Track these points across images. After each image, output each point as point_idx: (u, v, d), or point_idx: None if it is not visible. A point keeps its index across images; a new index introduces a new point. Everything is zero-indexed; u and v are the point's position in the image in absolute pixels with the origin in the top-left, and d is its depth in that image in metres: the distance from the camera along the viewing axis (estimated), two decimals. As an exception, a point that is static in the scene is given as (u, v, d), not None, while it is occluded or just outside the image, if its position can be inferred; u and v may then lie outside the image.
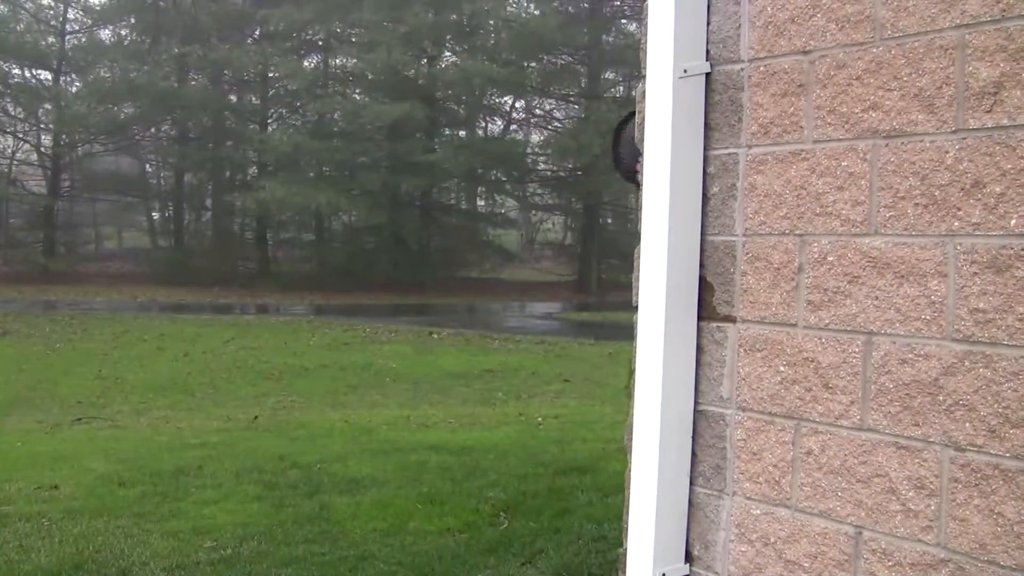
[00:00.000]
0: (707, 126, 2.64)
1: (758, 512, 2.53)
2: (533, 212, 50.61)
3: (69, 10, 45.53)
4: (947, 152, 2.16)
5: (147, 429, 11.82)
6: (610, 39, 42.14)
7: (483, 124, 47.18)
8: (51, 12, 45.68)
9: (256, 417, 12.14)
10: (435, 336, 22.63)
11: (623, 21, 41.50)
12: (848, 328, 2.33)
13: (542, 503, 7.24)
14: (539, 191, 47.49)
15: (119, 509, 7.43)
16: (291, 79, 42.71)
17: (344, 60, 43.84)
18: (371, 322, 25.62)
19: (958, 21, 2.14)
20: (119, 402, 14.44)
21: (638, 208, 2.76)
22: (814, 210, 2.38)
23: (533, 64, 42.56)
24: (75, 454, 9.73)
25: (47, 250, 42.86)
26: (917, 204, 2.20)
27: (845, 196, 2.33)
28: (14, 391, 15.55)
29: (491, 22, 41.89)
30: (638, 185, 4.34)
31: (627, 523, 2.80)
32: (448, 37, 42.32)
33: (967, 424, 2.14)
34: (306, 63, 43.80)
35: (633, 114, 4.58)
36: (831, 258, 2.35)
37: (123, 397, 14.96)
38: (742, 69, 2.55)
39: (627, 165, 4.37)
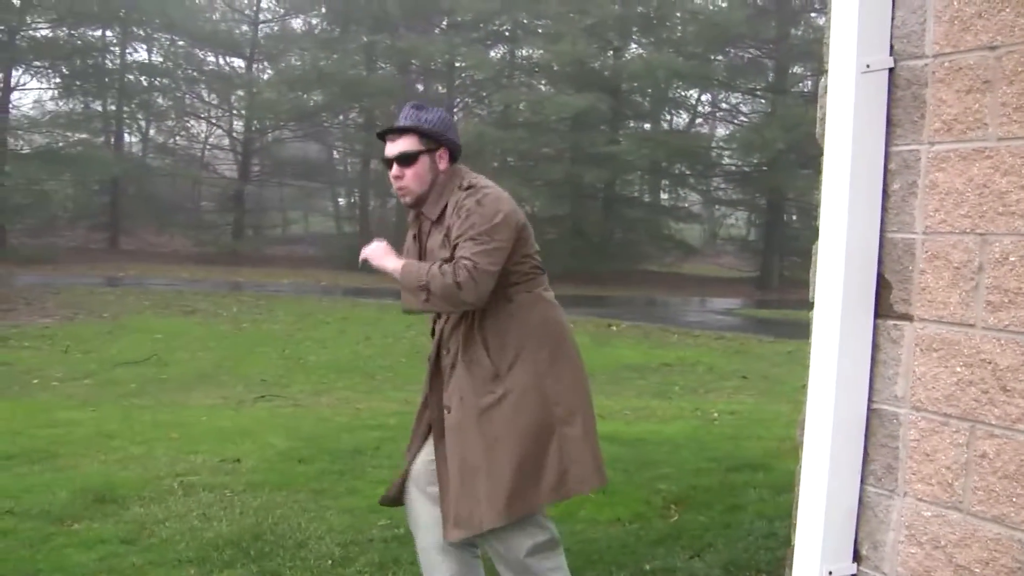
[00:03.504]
0: (889, 122, 2.61)
1: (929, 514, 2.49)
2: (716, 207, 50.15)
3: (262, 0, 46.81)
4: None
5: (327, 409, 12.09)
6: (798, 32, 41.51)
7: (668, 117, 46.97)
8: (245, 2, 47.01)
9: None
10: (613, 328, 22.61)
11: (812, 15, 40.84)
12: (1028, 330, 2.29)
13: (713, 498, 7.20)
14: (723, 185, 47.09)
15: (297, 484, 7.63)
16: (477, 69, 43.08)
17: (530, 51, 44.04)
18: (549, 312, 25.74)
19: None
20: (301, 382, 14.80)
21: (818, 204, 2.75)
22: (996, 209, 2.34)
23: (719, 57, 42.19)
24: (257, 430, 10.01)
25: (236, 232, 44.14)
26: (1104, 205, 2.15)
27: (1029, 196, 2.29)
28: (201, 368, 16.06)
29: (677, 14, 41.67)
30: None
31: (796, 520, 2.79)
32: (634, 29, 42.21)
33: None
34: (492, 53, 44.16)
35: None
36: (1013, 258, 2.31)
37: (305, 377, 15.33)
38: (926, 64, 2.51)
39: None
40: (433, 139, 4.44)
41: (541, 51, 41.97)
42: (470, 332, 4.35)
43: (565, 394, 4.35)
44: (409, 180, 4.45)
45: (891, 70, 2.60)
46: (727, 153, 45.46)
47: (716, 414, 11.69)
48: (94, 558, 5.96)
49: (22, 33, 41.64)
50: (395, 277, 4.38)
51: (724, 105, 47.65)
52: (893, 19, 2.59)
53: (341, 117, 46.81)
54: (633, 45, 43.18)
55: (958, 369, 2.42)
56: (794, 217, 44.72)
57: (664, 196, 48.47)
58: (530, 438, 4.24)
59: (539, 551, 4.37)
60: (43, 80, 44.89)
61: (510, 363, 4.28)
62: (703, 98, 47.06)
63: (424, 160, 4.44)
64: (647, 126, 44.92)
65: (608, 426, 10.29)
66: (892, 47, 2.59)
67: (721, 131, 47.62)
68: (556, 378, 4.33)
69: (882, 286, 2.63)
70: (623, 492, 7.39)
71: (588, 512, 6.88)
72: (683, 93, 45.06)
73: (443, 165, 4.47)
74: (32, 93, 45.93)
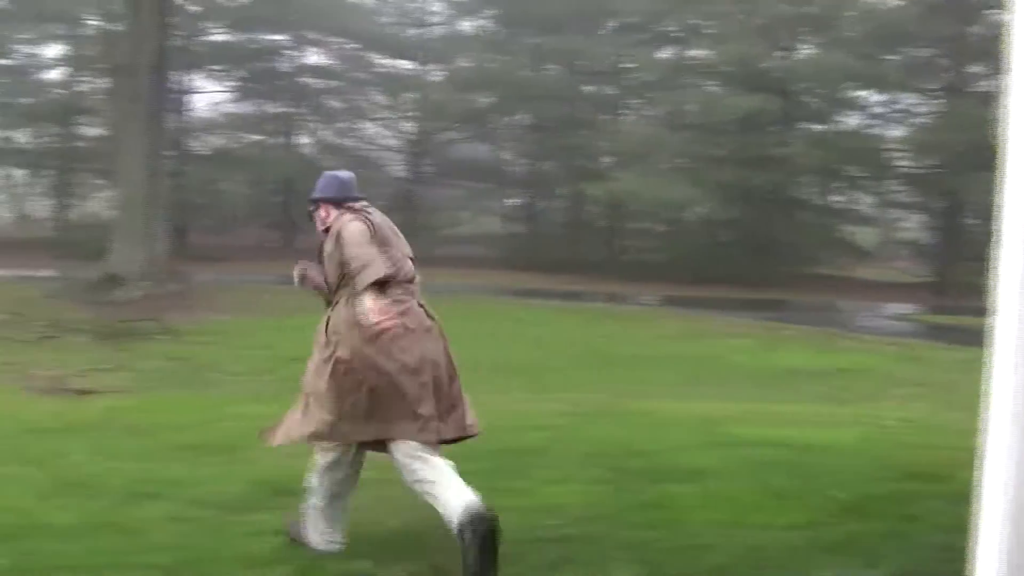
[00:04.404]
0: (1076, 123, 2.54)
1: (1118, 528, 2.42)
2: (890, 210, 49.06)
3: (432, 2, 47.33)
4: None
5: (495, 409, 12.16)
6: (976, 31, 40.43)
7: (840, 118, 46.14)
8: (415, 5, 47.59)
9: (602, 403, 12.32)
10: (784, 332, 22.33)
11: (990, 12, 39.70)
12: None
13: (887, 507, 7.08)
14: (897, 188, 46.04)
15: (466, 482, 7.71)
16: (645, 70, 42.94)
17: (698, 52, 43.71)
18: (719, 315, 25.51)
19: None
20: (469, 381, 14.89)
21: (998, 207, 2.68)
22: None
23: (893, 57, 41.32)
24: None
25: (406, 233, 44.56)
26: None
27: None
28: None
29: (849, 13, 40.88)
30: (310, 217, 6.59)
31: (975, 533, 2.74)
32: (804, 29, 41.58)
33: None
34: (660, 54, 43.96)
35: None
36: None
37: (474, 377, 15.39)
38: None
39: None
40: (313, 201, 6.56)
41: (710, 52, 41.65)
42: (328, 318, 6.19)
43: (369, 367, 5.88)
44: (317, 225, 6.54)
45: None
46: (902, 155, 44.49)
47: (890, 421, 11.47)
48: (270, 548, 6.17)
49: (200, 39, 42.99)
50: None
51: (898, 106, 46.58)
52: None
53: (508, 118, 47.04)
54: (803, 45, 42.56)
55: None
56: (972, 221, 43.52)
57: (836, 199, 47.62)
58: (342, 392, 5.90)
59: (325, 471, 6.20)
60: (220, 83, 46.31)
61: (336, 340, 5.97)
62: (876, 98, 46.09)
63: (315, 215, 6.57)
64: (818, 127, 44.18)
65: (777, 431, 10.19)
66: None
67: (895, 132, 46.55)
68: (363, 355, 5.87)
69: (1068, 293, 2.56)
70: (794, 498, 7.32)
71: (758, 517, 6.83)
72: (855, 93, 44.20)
73: (323, 214, 6.50)
74: (210, 96, 47.34)
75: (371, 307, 5.79)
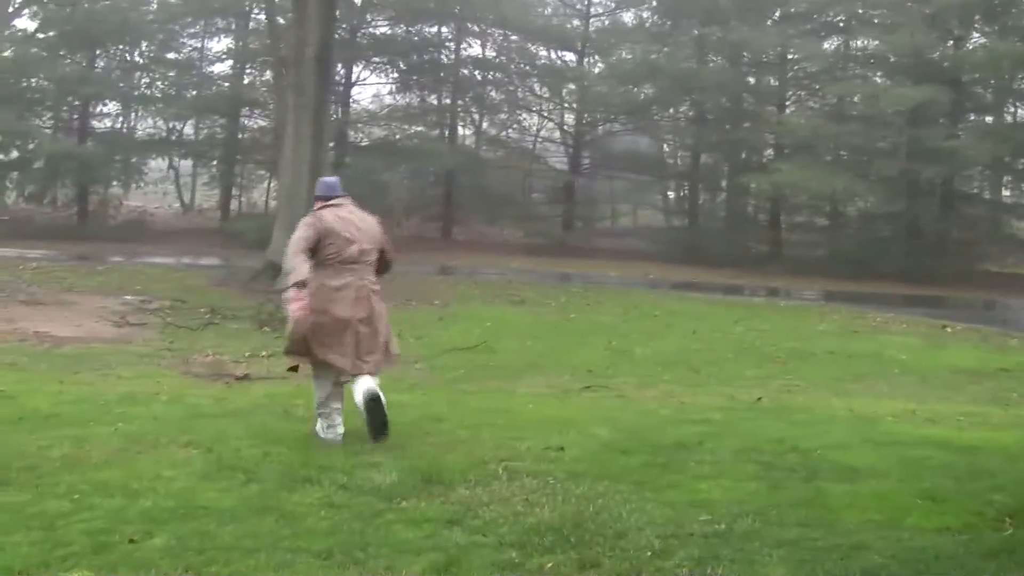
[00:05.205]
0: None
1: None
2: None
3: (596, -6, 47.29)
4: None
5: (651, 402, 12.13)
6: None
7: (1012, 109, 44.81)
8: (577, -3, 47.66)
9: (759, 399, 12.19)
10: (948, 330, 21.77)
11: None
12: None
13: (1053, 512, 6.85)
14: (1076, 182, 44.56)
15: (619, 475, 7.71)
16: (810, 61, 42.19)
17: (865, 42, 42.79)
18: (882, 311, 24.99)
19: None
20: (626, 374, 14.87)
21: None
22: None
23: (1072, 45, 39.93)
24: (581, 420, 10.14)
25: (565, 224, 44.70)
26: None
27: None
28: (528, 357, 16.39)
29: (1024, 0, 39.64)
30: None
31: None
32: (976, 17, 40.42)
33: None
34: (826, 44, 43.18)
35: None
36: None
37: (630, 369, 15.41)
38: None
39: None
40: (314, 199, 9.33)
41: (877, 42, 40.75)
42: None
43: (317, 316, 8.75)
44: None
45: None
46: (1077, 147, 43.02)
47: (1058, 424, 11.11)
48: (420, 535, 6.24)
49: (363, 31, 43.68)
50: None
51: (1075, 97, 45.05)
52: None
53: (672, 110, 46.71)
54: (975, 34, 41.40)
55: None
56: None
57: (1007, 193, 46.27)
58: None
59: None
60: (382, 75, 47.22)
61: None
62: (1051, 89, 44.61)
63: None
64: (989, 119, 42.95)
65: (939, 431, 9.97)
66: None
67: (1073, 124, 44.99)
68: (313, 307, 8.69)
69: None
70: (953, 501, 7.14)
71: (915, 519, 6.68)
72: (1029, 84, 42.85)
73: (316, 207, 9.10)
74: (371, 88, 48.08)
75: (290, 300, 8.73)
